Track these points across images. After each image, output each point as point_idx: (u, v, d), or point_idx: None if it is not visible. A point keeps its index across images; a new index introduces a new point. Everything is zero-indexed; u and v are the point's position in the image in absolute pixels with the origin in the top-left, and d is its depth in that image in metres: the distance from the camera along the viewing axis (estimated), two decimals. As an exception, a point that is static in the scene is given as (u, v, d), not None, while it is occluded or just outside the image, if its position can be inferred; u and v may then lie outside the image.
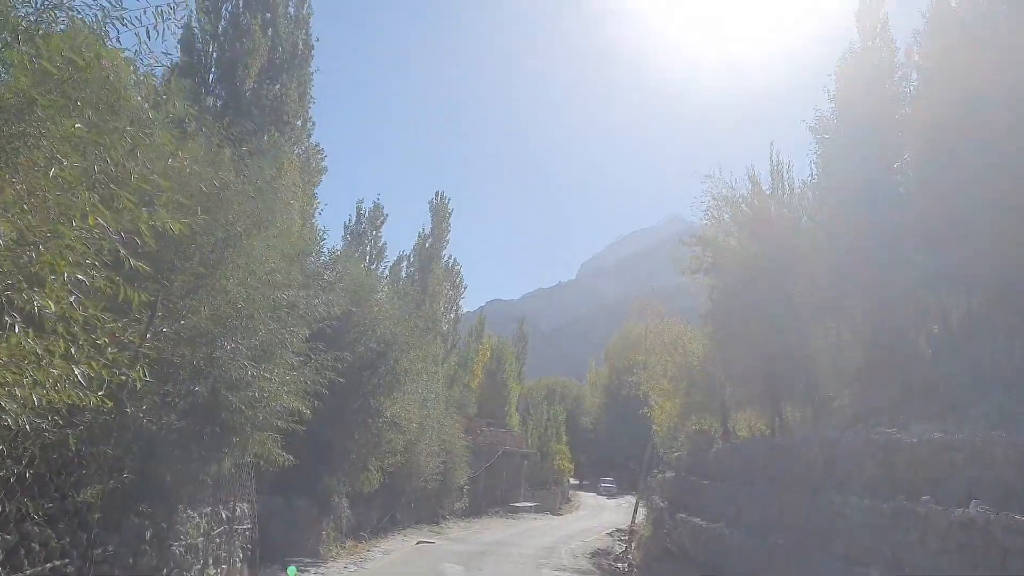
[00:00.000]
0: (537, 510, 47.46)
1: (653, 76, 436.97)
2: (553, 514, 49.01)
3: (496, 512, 41.22)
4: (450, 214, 50.70)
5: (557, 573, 18.96)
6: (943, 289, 18.04)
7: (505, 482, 46.96)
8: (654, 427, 34.11)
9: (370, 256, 47.15)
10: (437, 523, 31.66)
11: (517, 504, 46.60)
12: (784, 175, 22.34)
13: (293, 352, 10.80)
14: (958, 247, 16.89)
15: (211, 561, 11.01)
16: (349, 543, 21.02)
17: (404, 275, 46.56)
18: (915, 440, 11.39)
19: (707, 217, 22.91)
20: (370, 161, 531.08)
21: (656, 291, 31.08)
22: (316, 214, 30.71)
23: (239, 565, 12.52)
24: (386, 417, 19.51)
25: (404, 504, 28.79)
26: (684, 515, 21.66)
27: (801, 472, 14.62)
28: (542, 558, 21.91)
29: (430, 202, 50.93)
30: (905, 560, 10.34)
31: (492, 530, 32.37)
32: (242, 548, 12.78)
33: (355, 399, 18.80)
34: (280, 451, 11.46)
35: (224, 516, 11.45)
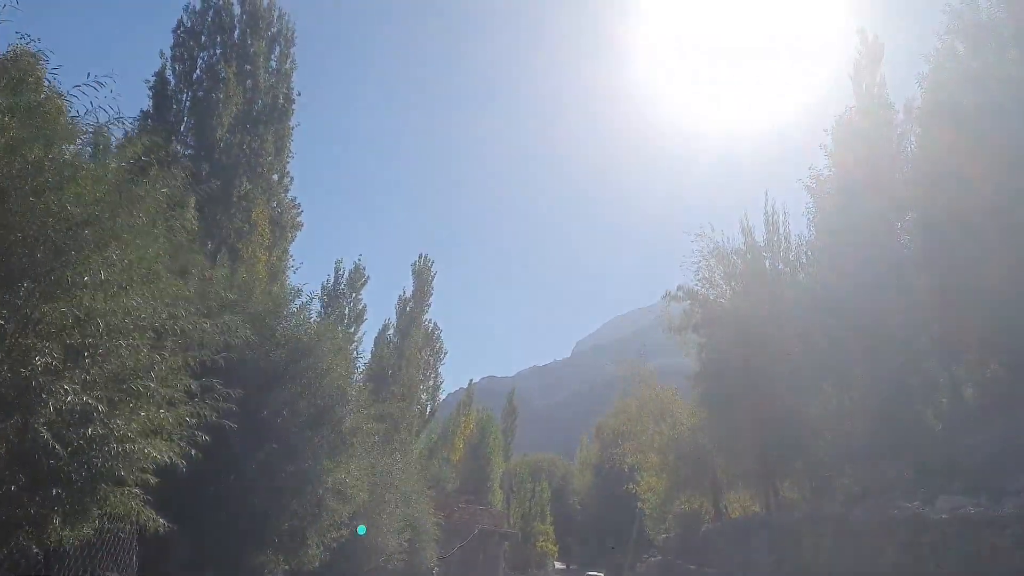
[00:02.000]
0: (516, 596, 43.92)
1: (653, 149, 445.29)
2: (534, 601, 45.45)
3: (469, 598, 37.85)
4: (433, 277, 48.86)
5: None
6: (953, 360, 16.30)
7: (483, 564, 43.55)
8: (640, 505, 31.51)
9: (348, 319, 45.11)
10: (399, 610, 28.47)
11: (496, 589, 43.15)
12: (780, 228, 20.68)
13: (165, 385, 8.59)
14: (971, 313, 15.02)
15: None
16: (283, 633, 18.14)
17: (388, 342, 44.40)
18: (945, 516, 9.11)
19: (697, 278, 21.19)
20: (353, 223, 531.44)
21: (646, 356, 29.00)
22: (290, 271, 28.90)
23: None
24: (327, 484, 16.99)
25: (359, 586, 25.76)
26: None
27: (807, 558, 12.25)
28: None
29: (413, 265, 49.16)
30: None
31: (460, 619, 29.17)
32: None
33: (290, 462, 16.38)
34: (151, 513, 9.12)
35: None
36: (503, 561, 47.93)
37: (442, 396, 49.70)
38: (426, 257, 48.94)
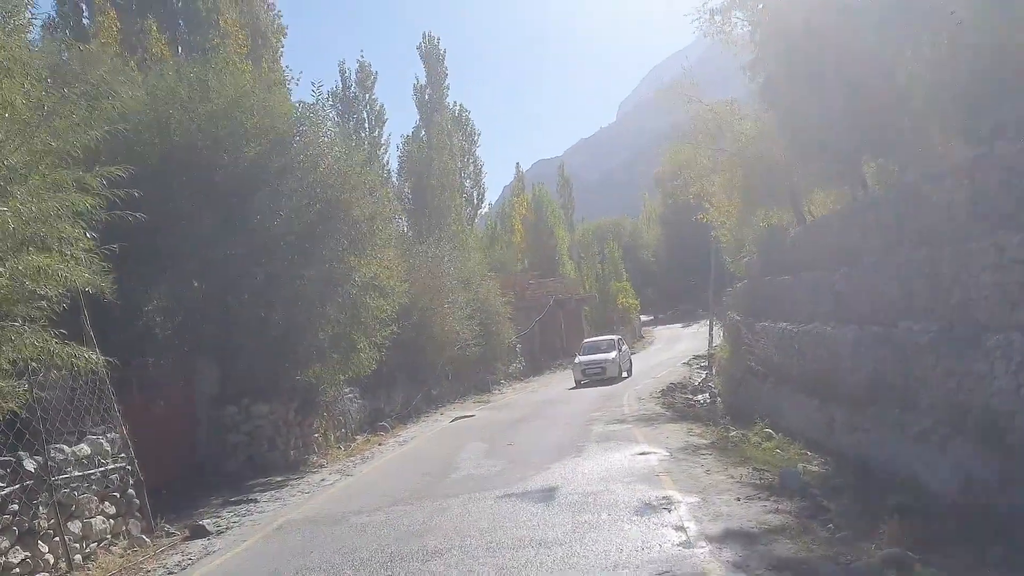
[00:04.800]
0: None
1: None
2: (625, 355, 45.26)
3: (559, 365, 37.49)
4: (443, 56, 44.48)
5: (613, 427, 14.70)
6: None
7: (565, 333, 43.07)
8: (713, 234, 29.12)
9: (368, 123, 41.90)
10: (487, 391, 27.97)
11: (583, 353, 42.88)
12: None
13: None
14: None
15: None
16: (360, 439, 17.21)
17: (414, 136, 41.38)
18: None
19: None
20: (349, 23, 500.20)
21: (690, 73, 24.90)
22: (292, 84, 26.00)
23: (109, 526, 8.45)
24: (356, 281, 14.98)
25: (439, 378, 24.96)
26: (767, 323, 16.89)
27: (939, 219, 9.53)
28: (596, 411, 17.72)
29: (418, 47, 44.73)
30: None
31: (548, 387, 28.56)
32: (115, 498, 8.68)
33: (305, 267, 14.34)
34: (79, 351, 7.06)
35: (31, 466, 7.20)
36: (585, 324, 47.54)
37: (488, 186, 47.20)
38: (430, 36, 44.25)
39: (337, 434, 16.70)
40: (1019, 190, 8.30)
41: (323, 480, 12.31)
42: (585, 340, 33.17)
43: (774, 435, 12.88)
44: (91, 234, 7.54)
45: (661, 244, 73.37)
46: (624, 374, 28.21)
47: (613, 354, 28.11)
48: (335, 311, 15.10)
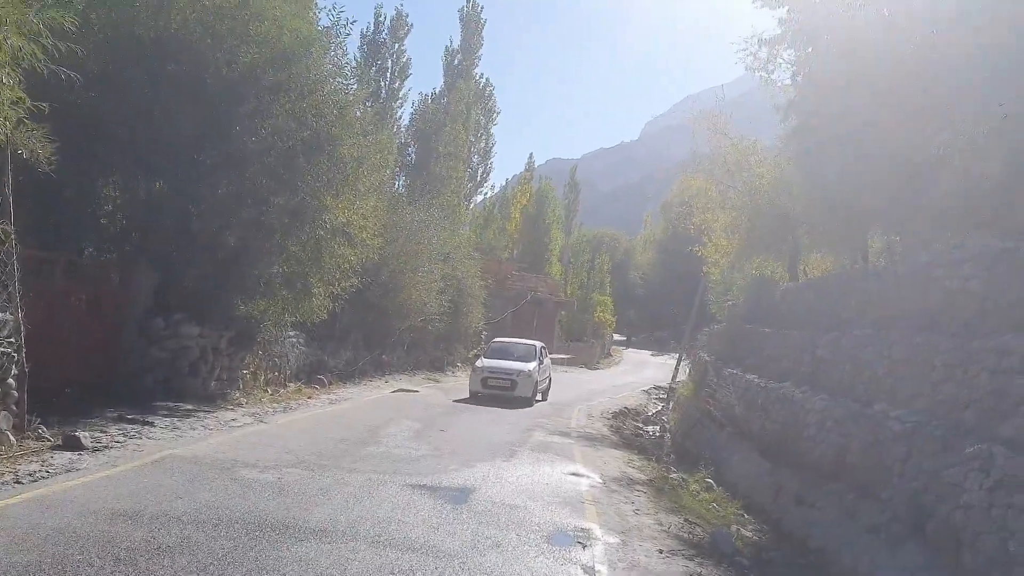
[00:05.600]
0: (570, 363, 42.94)
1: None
2: (588, 368, 44.54)
3: (521, 363, 36.66)
4: (483, 25, 43.44)
5: (554, 439, 13.91)
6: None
7: (535, 332, 42.26)
8: (704, 270, 28.43)
9: (391, 73, 40.79)
10: (440, 370, 27.08)
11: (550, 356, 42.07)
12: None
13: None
14: None
15: None
16: (292, 387, 16.31)
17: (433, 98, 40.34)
18: None
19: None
20: None
21: (721, 105, 24.10)
22: (323, 14, 24.97)
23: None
24: (326, 222, 14.07)
25: (394, 345, 24.07)
26: (736, 370, 16.17)
27: (945, 306, 8.78)
28: (544, 418, 16.92)
29: (460, 10, 43.60)
30: None
31: (505, 382, 27.67)
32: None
33: (277, 194, 13.39)
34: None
35: None
36: (558, 329, 46.80)
37: (494, 167, 46.24)
38: (475, 2, 43.16)
39: (269, 376, 15.81)
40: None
41: (233, 420, 11.41)
42: (495, 340, 24.40)
43: (715, 487, 12.14)
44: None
45: (653, 268, 72.71)
46: (539, 397, 20.60)
47: (531, 365, 20.18)
48: (297, 248, 14.21)
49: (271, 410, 13.10)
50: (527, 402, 19.18)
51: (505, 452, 11.42)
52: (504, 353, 21.12)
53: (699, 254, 26.75)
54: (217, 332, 13.44)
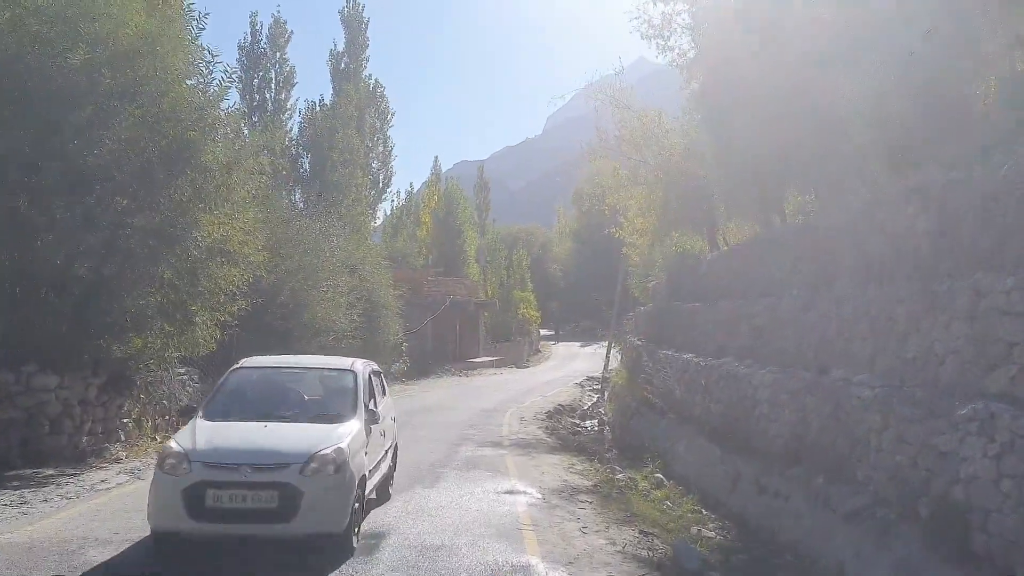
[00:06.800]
0: (499, 364, 41.76)
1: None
2: (518, 367, 43.47)
3: (448, 370, 35.25)
4: (366, 24, 41.64)
5: (484, 452, 12.58)
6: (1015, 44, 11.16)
7: (460, 336, 40.90)
8: (624, 251, 27.66)
9: (276, 83, 38.58)
10: (361, 390, 25.32)
11: (476, 359, 40.75)
12: None
13: None
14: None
15: None
16: (187, 431, 14.41)
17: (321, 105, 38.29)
18: None
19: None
20: None
21: (621, 76, 23.17)
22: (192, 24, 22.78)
23: None
24: (199, 241, 12.28)
25: (305, 370, 22.20)
26: (670, 351, 15.21)
27: (895, 251, 7.86)
28: (471, 428, 15.56)
29: (340, 11, 41.65)
30: None
31: (432, 392, 26.24)
32: None
33: (139, 212, 11.58)
34: None
35: None
36: (483, 330, 45.50)
37: (396, 170, 44.56)
38: (355, 2, 41.29)
39: (157, 421, 13.88)
40: (1002, 224, 6.69)
41: (103, 482, 9.59)
42: (244, 362, 8.14)
43: (665, 482, 11.08)
44: None
45: (571, 259, 72.31)
46: (368, 504, 7.55)
47: (341, 430, 6.68)
48: (171, 273, 12.40)
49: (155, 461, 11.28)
50: (333, 543, 6.22)
51: (427, 478, 10.02)
52: (265, 402, 7.54)
53: (616, 235, 25.93)
54: (83, 380, 11.53)
